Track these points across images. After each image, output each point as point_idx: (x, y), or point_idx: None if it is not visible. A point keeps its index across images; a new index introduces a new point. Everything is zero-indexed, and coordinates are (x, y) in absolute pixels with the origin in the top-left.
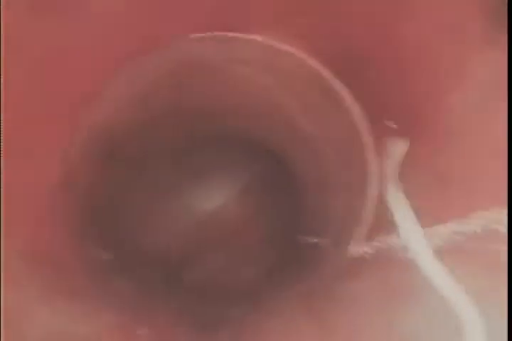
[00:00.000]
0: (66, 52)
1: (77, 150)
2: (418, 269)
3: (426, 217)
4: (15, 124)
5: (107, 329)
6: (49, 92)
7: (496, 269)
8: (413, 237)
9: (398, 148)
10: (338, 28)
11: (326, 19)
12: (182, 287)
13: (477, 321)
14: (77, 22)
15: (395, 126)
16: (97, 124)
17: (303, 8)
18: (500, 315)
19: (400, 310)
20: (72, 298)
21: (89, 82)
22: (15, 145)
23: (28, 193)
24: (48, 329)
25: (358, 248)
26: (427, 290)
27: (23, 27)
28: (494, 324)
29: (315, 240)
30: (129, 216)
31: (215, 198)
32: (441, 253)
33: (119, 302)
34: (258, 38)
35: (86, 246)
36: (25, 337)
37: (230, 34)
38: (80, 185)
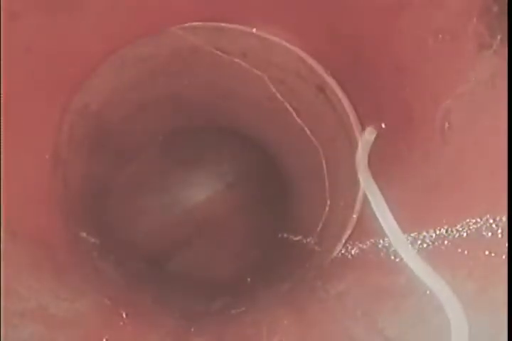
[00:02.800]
0: (60, 40)
1: (65, 138)
2: (402, 270)
3: (415, 221)
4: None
5: (88, 310)
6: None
7: (484, 273)
8: (383, 215)
9: (366, 136)
10: (336, 26)
11: (324, 17)
12: (166, 277)
13: (464, 321)
14: (73, 12)
15: (385, 126)
16: (87, 110)
17: (301, 4)
18: (487, 315)
19: (386, 311)
20: (59, 277)
21: (82, 69)
22: (12, 134)
23: (25, 181)
24: (29, 306)
25: (342, 248)
26: (413, 291)
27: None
28: (481, 325)
29: (299, 238)
30: (116, 204)
31: (201, 191)
32: (429, 257)
33: (103, 286)
34: (253, 30)
35: (75, 230)
36: (6, 311)
37: (223, 24)
38: (70, 174)
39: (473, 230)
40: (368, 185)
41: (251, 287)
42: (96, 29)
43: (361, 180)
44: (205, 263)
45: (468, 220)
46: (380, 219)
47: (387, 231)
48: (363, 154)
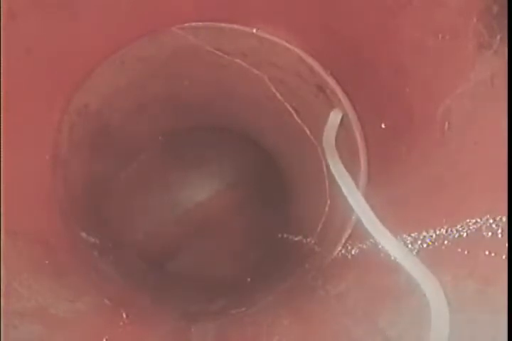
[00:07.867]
0: (60, 40)
1: (65, 138)
2: (402, 270)
3: (415, 221)
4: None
5: (88, 310)
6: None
7: (484, 273)
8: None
9: (332, 118)
10: (336, 26)
11: (324, 17)
12: (166, 277)
13: (445, 306)
14: (73, 12)
15: (385, 126)
16: (87, 110)
17: (302, 4)
18: (487, 316)
19: (386, 311)
20: (59, 277)
21: (82, 69)
22: (12, 135)
23: (25, 181)
24: (29, 306)
25: (342, 248)
26: (413, 291)
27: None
28: (481, 325)
29: (299, 238)
30: (116, 204)
31: (202, 191)
32: (429, 257)
33: (103, 286)
34: (253, 30)
35: (75, 230)
36: (6, 311)
37: (223, 25)
38: (70, 174)
39: (473, 230)
40: (335, 168)
41: (251, 287)
42: (96, 29)
43: (329, 162)
44: (205, 263)
45: (468, 220)
46: (348, 197)
47: (356, 209)
48: (329, 135)
